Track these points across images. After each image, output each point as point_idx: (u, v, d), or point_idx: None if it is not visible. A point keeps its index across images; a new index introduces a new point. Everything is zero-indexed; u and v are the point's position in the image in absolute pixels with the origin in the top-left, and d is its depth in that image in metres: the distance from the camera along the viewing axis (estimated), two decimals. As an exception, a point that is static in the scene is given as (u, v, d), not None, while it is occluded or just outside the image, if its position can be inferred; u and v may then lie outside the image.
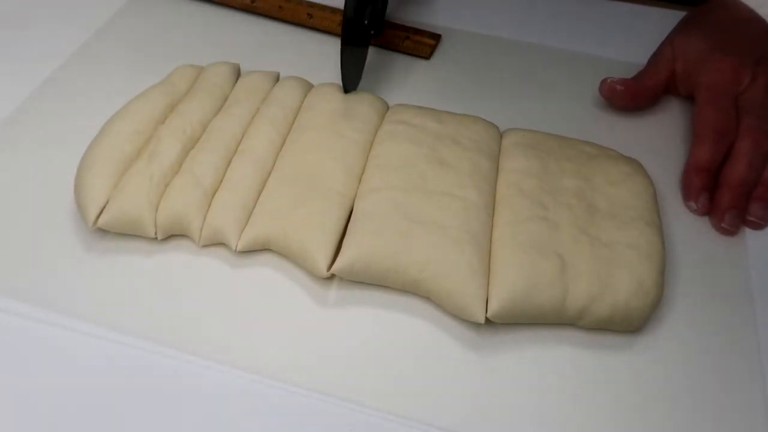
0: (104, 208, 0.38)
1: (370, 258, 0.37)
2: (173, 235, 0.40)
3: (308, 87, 0.46)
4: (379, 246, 0.37)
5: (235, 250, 0.38)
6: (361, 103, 0.45)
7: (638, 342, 0.37)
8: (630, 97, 0.49)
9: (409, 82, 0.51)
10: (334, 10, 0.55)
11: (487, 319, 0.36)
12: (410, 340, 0.36)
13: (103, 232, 0.39)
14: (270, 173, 0.41)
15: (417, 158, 0.41)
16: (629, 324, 0.37)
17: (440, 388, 0.35)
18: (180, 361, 0.35)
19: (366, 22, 0.46)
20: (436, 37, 0.54)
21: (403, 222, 0.37)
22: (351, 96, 0.45)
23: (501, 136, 0.44)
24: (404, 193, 0.39)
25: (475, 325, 0.37)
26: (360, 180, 0.40)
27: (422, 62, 0.53)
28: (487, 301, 0.36)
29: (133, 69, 0.50)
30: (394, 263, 0.36)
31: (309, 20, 0.55)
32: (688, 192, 0.44)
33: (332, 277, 0.38)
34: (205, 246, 0.39)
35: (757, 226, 0.43)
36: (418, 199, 0.38)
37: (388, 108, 0.46)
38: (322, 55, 0.53)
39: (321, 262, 0.37)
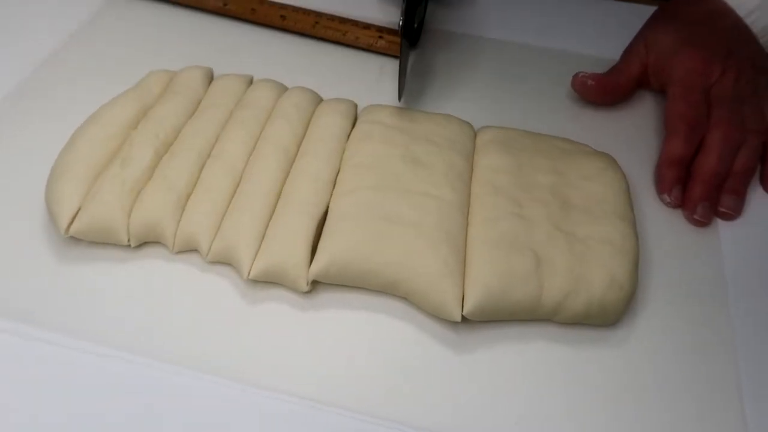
0: (76, 215, 0.38)
1: (345, 261, 0.36)
2: (147, 242, 0.39)
3: (282, 90, 0.46)
4: (354, 249, 0.37)
5: (206, 260, 0.38)
6: (327, 110, 0.44)
7: (614, 335, 0.37)
8: (601, 91, 0.49)
9: (383, 81, 0.51)
10: (307, 12, 0.55)
11: (464, 317, 0.36)
12: (388, 340, 0.36)
13: (76, 240, 0.39)
14: (241, 179, 0.40)
15: (391, 158, 0.41)
16: (605, 318, 0.37)
17: (418, 387, 0.35)
18: (157, 370, 0.34)
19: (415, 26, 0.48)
20: (410, 37, 0.54)
21: (377, 223, 0.37)
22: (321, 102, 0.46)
23: (475, 133, 0.44)
24: (379, 193, 0.39)
25: (452, 323, 0.37)
26: (333, 183, 0.40)
27: (396, 62, 0.53)
28: (463, 299, 0.36)
29: (105, 74, 0.50)
30: (369, 265, 0.36)
31: (282, 22, 0.55)
32: (661, 185, 0.44)
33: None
34: (180, 252, 0.39)
35: (728, 217, 0.43)
36: (393, 199, 0.38)
37: (356, 109, 0.46)
38: (296, 57, 0.53)
39: (300, 281, 0.37)
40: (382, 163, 0.40)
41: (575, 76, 0.49)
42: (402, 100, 0.46)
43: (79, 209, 0.38)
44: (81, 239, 0.39)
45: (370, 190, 0.39)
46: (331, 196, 0.40)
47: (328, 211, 0.39)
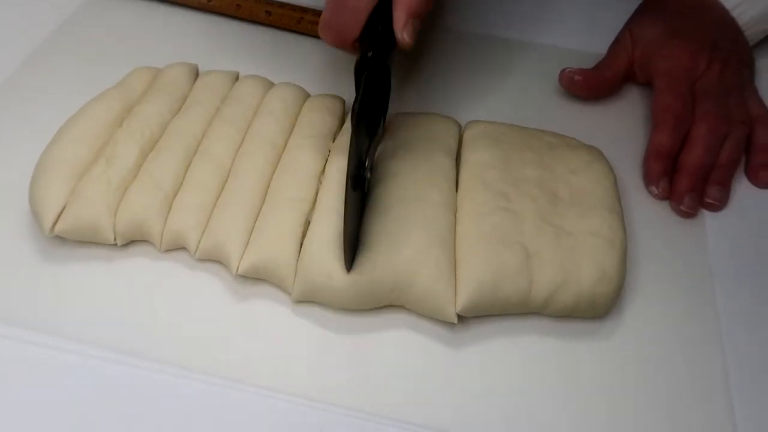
0: (61, 214, 0.37)
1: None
2: (134, 240, 0.39)
3: (268, 86, 0.46)
4: (339, 267, 0.35)
5: (194, 257, 0.38)
6: (315, 106, 0.44)
7: (604, 327, 0.38)
8: (588, 86, 0.49)
9: (370, 77, 0.51)
10: (292, 7, 0.55)
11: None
12: (383, 339, 0.36)
13: (61, 239, 0.38)
14: (229, 175, 0.40)
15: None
16: (594, 310, 0.37)
17: (415, 384, 0.35)
18: (146, 370, 0.34)
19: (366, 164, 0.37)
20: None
21: (365, 242, 0.36)
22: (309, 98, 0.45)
23: (460, 129, 0.44)
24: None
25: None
26: (320, 179, 0.40)
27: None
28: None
29: (88, 72, 0.49)
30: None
31: (268, 18, 0.54)
32: (649, 177, 0.44)
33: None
34: (167, 250, 0.39)
35: (715, 208, 0.43)
36: (373, 217, 0.37)
37: (344, 105, 0.45)
38: (282, 53, 0.53)
39: (288, 281, 0.36)
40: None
41: (562, 71, 0.49)
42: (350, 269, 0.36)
43: (64, 208, 0.38)
44: (66, 238, 0.38)
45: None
46: (316, 194, 0.39)
47: (308, 230, 0.37)
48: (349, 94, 0.46)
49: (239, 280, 0.38)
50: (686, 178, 0.43)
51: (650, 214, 0.43)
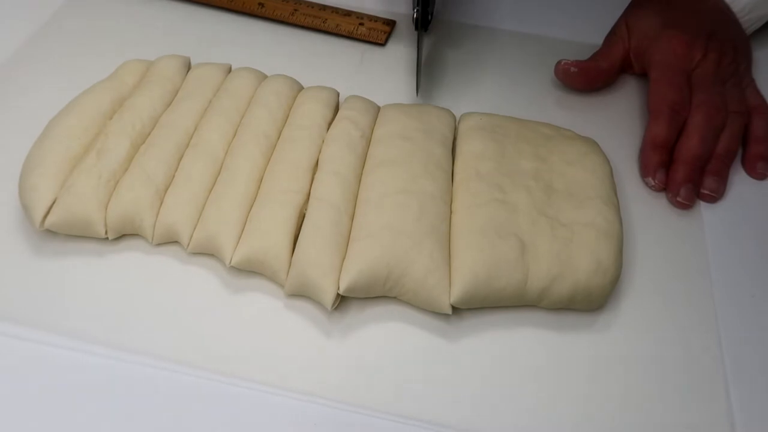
0: (51, 208, 0.37)
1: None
2: (125, 234, 0.38)
3: (261, 78, 0.45)
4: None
5: (187, 250, 0.37)
6: (308, 98, 0.43)
7: (600, 319, 0.37)
8: (584, 78, 0.49)
9: (364, 68, 0.51)
10: (285, -1, 0.54)
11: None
12: (376, 332, 0.36)
13: (52, 233, 0.38)
14: (222, 168, 0.40)
15: (363, 166, 0.40)
16: (590, 302, 0.37)
17: (408, 377, 0.34)
18: (138, 365, 0.34)
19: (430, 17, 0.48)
20: (391, 23, 0.54)
21: (358, 234, 0.36)
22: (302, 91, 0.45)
23: (456, 120, 0.44)
24: (350, 204, 0.38)
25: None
26: (314, 171, 0.39)
27: (378, 49, 0.53)
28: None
29: (79, 65, 0.49)
30: None
31: (260, 10, 0.54)
32: (645, 168, 0.44)
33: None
34: (159, 244, 0.38)
35: (711, 199, 0.43)
36: (367, 207, 0.37)
37: (338, 97, 0.45)
38: (275, 45, 0.52)
39: (280, 274, 0.36)
40: (354, 171, 0.39)
41: (558, 63, 0.49)
42: (419, 94, 0.48)
43: (54, 202, 0.37)
44: (57, 233, 0.38)
45: (343, 203, 0.37)
46: (310, 186, 0.39)
47: (304, 219, 0.37)
48: (343, 87, 0.46)
49: (232, 274, 0.37)
50: (682, 169, 0.43)
51: (646, 205, 0.43)
